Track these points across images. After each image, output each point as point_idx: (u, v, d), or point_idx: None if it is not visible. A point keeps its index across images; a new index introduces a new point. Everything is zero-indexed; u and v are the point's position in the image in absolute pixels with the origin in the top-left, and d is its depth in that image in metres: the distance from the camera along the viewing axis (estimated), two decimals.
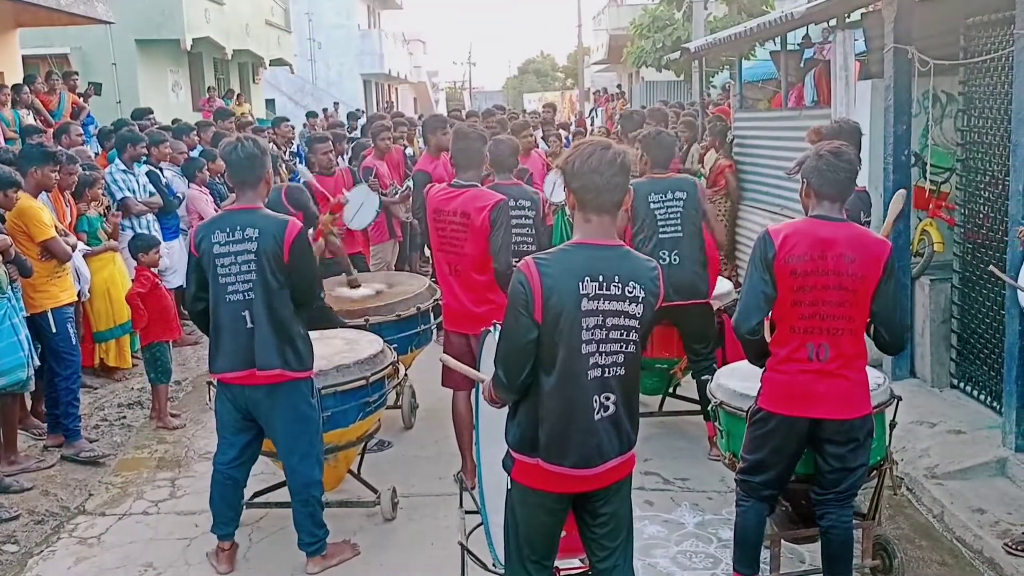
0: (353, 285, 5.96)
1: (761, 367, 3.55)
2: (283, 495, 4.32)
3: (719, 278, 5.79)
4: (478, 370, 3.48)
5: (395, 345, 5.10)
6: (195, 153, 9.23)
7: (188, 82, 19.68)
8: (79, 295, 5.95)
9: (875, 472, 3.84)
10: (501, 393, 2.89)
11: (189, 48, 17.91)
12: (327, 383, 4.30)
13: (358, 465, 4.84)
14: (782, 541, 3.86)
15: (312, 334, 4.24)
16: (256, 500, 4.63)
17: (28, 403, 5.97)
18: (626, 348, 2.79)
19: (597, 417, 2.79)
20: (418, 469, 5.31)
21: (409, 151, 10.19)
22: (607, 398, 2.79)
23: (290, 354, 3.93)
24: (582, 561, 3.34)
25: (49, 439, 5.70)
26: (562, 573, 3.38)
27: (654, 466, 5.17)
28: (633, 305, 2.76)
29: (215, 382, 4.17)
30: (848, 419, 3.40)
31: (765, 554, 3.75)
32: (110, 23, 13.36)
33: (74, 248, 5.88)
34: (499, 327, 3.07)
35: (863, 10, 6.97)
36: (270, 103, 27.29)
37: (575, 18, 42.90)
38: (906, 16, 5.90)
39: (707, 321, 5.31)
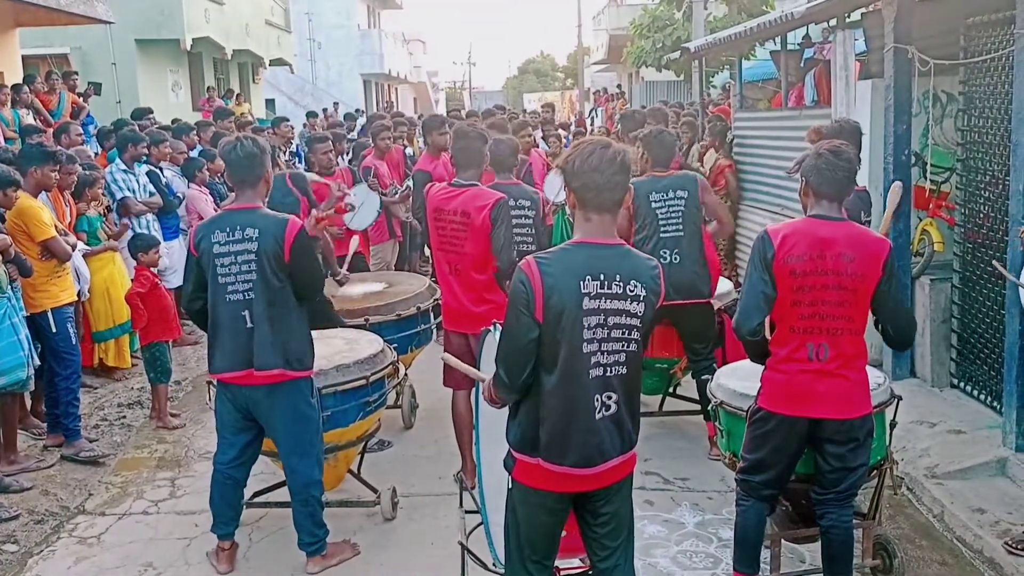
0: (340, 284, 5.96)
1: (763, 363, 3.56)
2: (283, 495, 4.32)
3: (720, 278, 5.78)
4: (478, 370, 3.48)
5: (395, 345, 5.10)
6: (195, 153, 9.23)
7: (188, 82, 19.67)
8: (79, 295, 5.95)
9: (875, 472, 3.84)
10: (502, 393, 2.89)
11: (189, 48, 17.91)
12: (327, 383, 4.30)
13: (358, 465, 4.83)
14: (782, 541, 3.86)
15: (312, 334, 4.24)
16: (256, 500, 4.63)
17: (28, 403, 5.97)
18: (628, 347, 2.79)
19: (598, 416, 2.78)
20: (418, 469, 5.31)
21: (409, 151, 10.19)
22: (609, 397, 2.79)
23: (291, 353, 3.93)
24: (582, 561, 3.34)
25: (49, 439, 5.70)
26: (562, 573, 3.38)
27: (654, 466, 5.17)
28: (634, 304, 2.76)
29: (215, 382, 4.17)
30: (848, 419, 3.40)
31: (765, 554, 3.75)
32: (110, 23, 13.36)
33: (74, 248, 5.88)
34: (499, 327, 3.07)
35: (863, 10, 6.97)
36: (270, 103, 27.29)
37: (575, 18, 42.95)
38: (906, 16, 5.90)
39: (707, 321, 5.31)
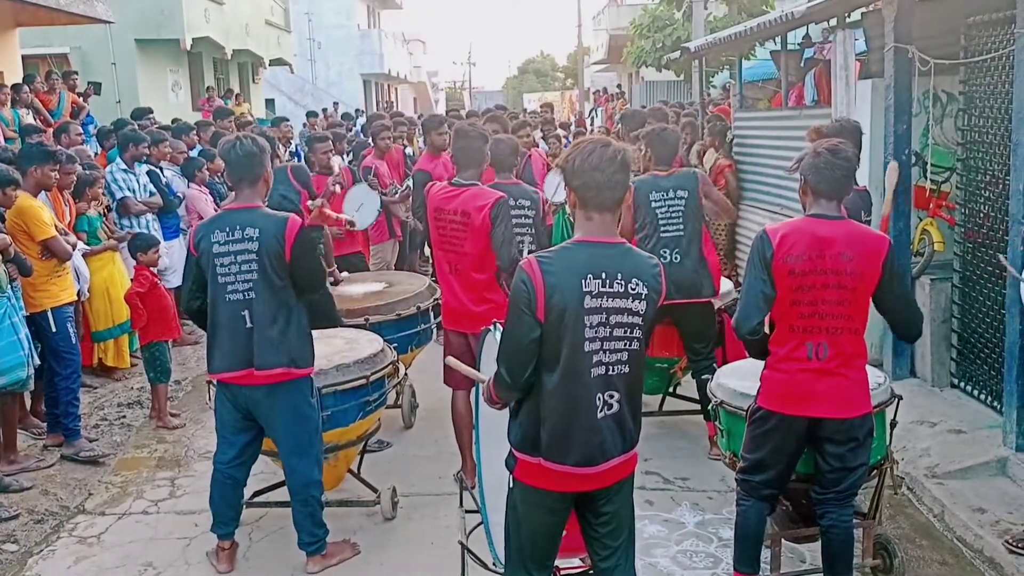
0: (334, 283, 5.95)
1: (764, 360, 3.56)
2: (283, 494, 4.31)
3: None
4: (478, 369, 3.48)
5: (395, 344, 5.10)
6: (194, 153, 9.23)
7: (188, 82, 19.67)
8: (79, 294, 5.95)
9: (876, 471, 3.84)
10: (503, 392, 2.89)
11: (189, 48, 17.91)
12: (327, 382, 4.30)
13: (358, 464, 4.83)
14: (782, 540, 3.85)
15: (312, 333, 4.24)
16: (256, 499, 4.63)
17: (28, 402, 5.97)
18: (630, 345, 2.79)
19: (600, 415, 2.78)
20: (418, 468, 5.30)
21: (409, 151, 10.19)
22: (611, 396, 2.79)
23: (294, 352, 3.93)
24: (582, 560, 3.34)
25: (49, 438, 5.70)
26: (562, 572, 3.38)
27: (654, 465, 5.16)
28: (636, 302, 2.76)
29: (214, 382, 4.16)
30: (847, 418, 3.40)
31: (765, 553, 3.75)
32: (110, 23, 13.37)
33: (74, 247, 5.88)
34: (499, 326, 3.07)
35: (863, 9, 6.97)
36: (270, 103, 27.29)
37: (575, 18, 42.97)
38: (906, 15, 5.90)
39: (708, 320, 5.30)
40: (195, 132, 10.51)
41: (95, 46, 16.29)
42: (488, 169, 4.91)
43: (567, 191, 2.84)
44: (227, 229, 3.87)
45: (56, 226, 5.58)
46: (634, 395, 2.87)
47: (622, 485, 2.92)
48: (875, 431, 3.57)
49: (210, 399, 4.41)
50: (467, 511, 3.84)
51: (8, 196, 5.27)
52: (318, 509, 4.13)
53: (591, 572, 3.22)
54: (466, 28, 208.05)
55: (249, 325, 3.87)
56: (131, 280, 6.49)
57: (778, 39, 9.11)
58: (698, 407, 5.47)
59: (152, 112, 12.08)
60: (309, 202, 5.49)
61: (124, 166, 7.68)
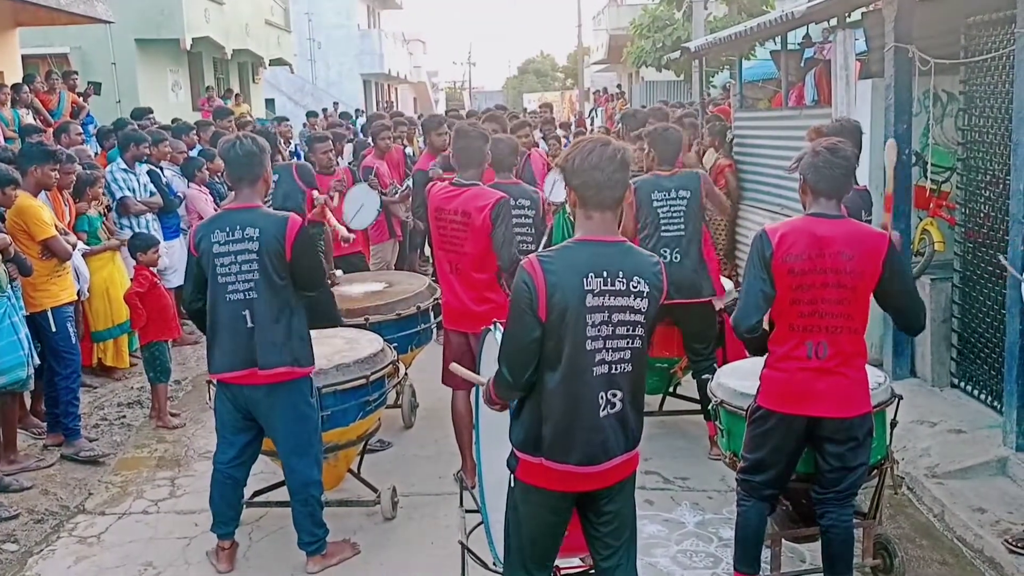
0: (332, 283, 5.93)
1: (763, 356, 3.56)
2: (283, 494, 4.31)
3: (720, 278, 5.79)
4: (478, 369, 3.48)
5: (395, 344, 5.10)
6: (194, 152, 9.22)
7: (188, 82, 19.67)
8: (79, 294, 5.94)
9: (876, 471, 3.84)
10: (504, 392, 2.89)
11: (189, 48, 17.91)
12: (327, 382, 4.29)
13: (358, 464, 4.83)
14: (783, 540, 3.85)
15: (312, 333, 4.24)
16: (256, 499, 4.63)
17: (28, 402, 5.97)
18: (632, 344, 2.79)
19: (603, 414, 2.78)
20: (418, 468, 5.30)
21: (409, 150, 10.19)
22: (614, 395, 2.78)
23: (295, 351, 3.93)
24: (582, 560, 3.34)
25: (49, 438, 5.70)
26: (562, 572, 3.38)
27: (654, 465, 5.16)
28: (638, 300, 2.76)
29: (214, 381, 4.16)
30: (847, 417, 3.40)
31: (765, 553, 3.75)
32: (110, 23, 13.37)
33: (74, 247, 5.88)
34: (499, 326, 3.07)
35: (863, 9, 6.97)
36: (270, 103, 27.29)
37: (575, 18, 42.97)
38: (907, 15, 5.90)
39: (708, 320, 5.30)
40: (195, 132, 10.51)
41: (95, 46, 16.29)
42: (488, 169, 4.91)
43: (567, 190, 2.84)
44: (227, 229, 3.87)
45: (56, 226, 5.58)
46: (637, 394, 2.87)
47: (624, 484, 2.92)
48: (875, 431, 3.57)
49: (210, 399, 4.40)
50: (467, 511, 3.84)
51: (8, 196, 5.27)
52: (318, 509, 4.13)
53: (591, 572, 3.22)
54: (466, 28, 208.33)
55: (250, 325, 3.87)
56: (131, 280, 6.49)
57: (778, 39, 9.11)
58: (698, 407, 5.47)
59: (152, 112, 12.08)
60: (315, 194, 5.48)
61: (124, 166, 7.68)
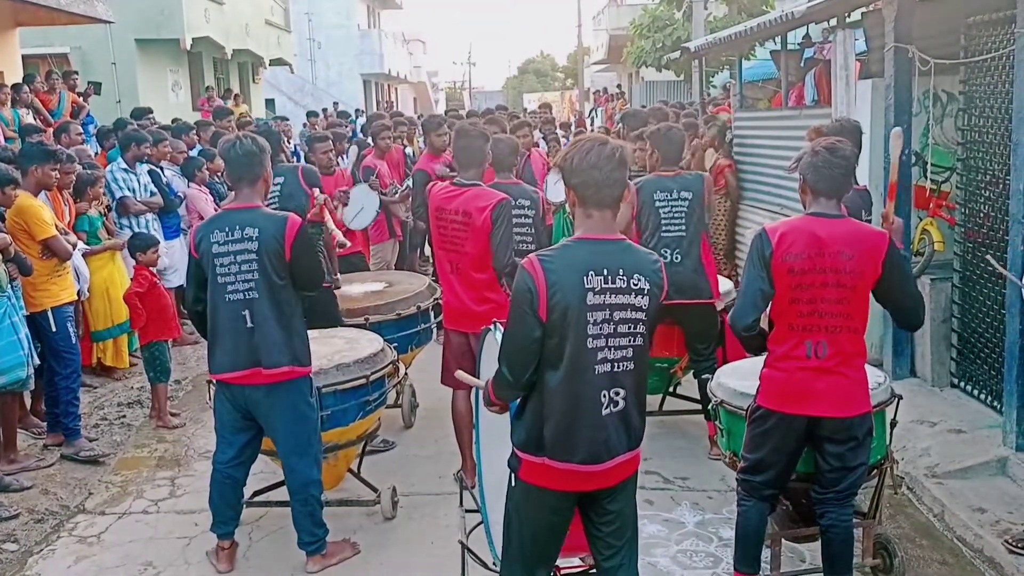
0: (336, 286, 5.88)
1: (759, 356, 3.57)
2: (283, 494, 4.31)
3: (720, 278, 5.79)
4: (479, 368, 3.48)
5: (395, 344, 5.10)
6: (194, 152, 9.23)
7: (188, 82, 19.67)
8: (79, 294, 5.94)
9: (876, 471, 3.84)
10: (504, 392, 2.89)
11: (189, 48, 17.91)
12: (327, 382, 4.29)
13: (358, 464, 4.83)
14: (782, 540, 3.85)
15: (312, 333, 4.25)
16: (256, 499, 4.63)
17: (28, 402, 5.97)
18: (634, 341, 2.79)
19: (605, 412, 2.78)
20: (418, 468, 5.31)
21: (409, 150, 10.19)
22: (616, 393, 2.78)
23: (297, 350, 3.94)
24: (582, 560, 3.34)
25: (49, 438, 5.70)
26: (562, 572, 3.38)
27: (654, 465, 5.16)
28: (639, 297, 2.77)
29: (214, 381, 4.16)
30: (847, 417, 3.40)
31: (765, 553, 3.75)
32: (110, 23, 13.37)
33: (75, 247, 5.88)
34: (499, 326, 3.07)
35: (863, 9, 6.97)
36: (270, 103, 27.28)
37: (575, 18, 42.97)
38: (906, 15, 5.90)
39: (710, 321, 5.30)
40: (195, 132, 10.51)
41: (95, 46, 16.29)
42: (488, 169, 4.91)
43: (566, 190, 2.85)
44: (226, 229, 3.87)
45: (56, 225, 5.58)
46: (640, 392, 2.87)
47: (626, 484, 2.92)
48: (875, 430, 3.56)
49: (210, 399, 4.40)
50: (467, 510, 3.84)
51: (8, 196, 5.27)
52: (318, 509, 4.13)
53: (592, 571, 3.22)
54: (466, 28, 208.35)
55: (250, 325, 3.87)
56: (131, 280, 6.49)
57: (778, 39, 9.12)
58: (698, 407, 5.47)
59: (152, 112, 12.08)
60: (316, 193, 5.46)
61: (125, 166, 7.68)
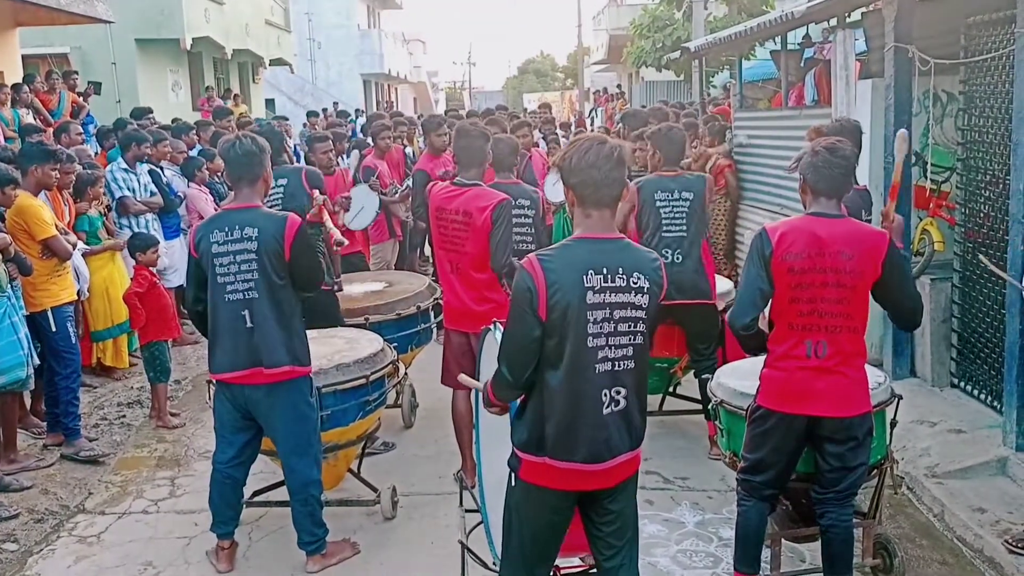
0: (338, 289, 5.83)
1: (756, 356, 3.57)
2: (283, 494, 4.31)
3: (720, 277, 5.80)
4: (479, 368, 3.48)
5: (395, 344, 5.10)
6: (194, 152, 9.23)
7: (188, 82, 19.67)
8: (78, 294, 5.94)
9: (875, 471, 3.84)
10: (503, 391, 2.89)
11: (189, 48, 17.91)
12: (327, 381, 4.29)
13: (358, 464, 4.83)
14: (782, 540, 3.85)
15: (312, 333, 4.25)
16: (256, 499, 4.62)
17: (28, 402, 5.97)
18: (634, 340, 2.79)
19: (606, 411, 2.78)
20: (418, 468, 5.30)
21: (409, 150, 10.19)
22: (618, 392, 2.78)
23: (296, 350, 3.94)
24: (582, 559, 3.34)
25: (49, 438, 5.70)
26: (562, 572, 3.38)
27: (654, 465, 5.16)
28: (639, 296, 2.77)
29: (214, 381, 4.16)
30: (847, 417, 3.40)
31: (765, 553, 3.75)
32: (110, 23, 13.37)
33: (74, 246, 5.88)
34: (499, 325, 3.07)
35: (863, 9, 6.97)
36: (270, 103, 27.29)
37: (575, 18, 42.97)
38: (906, 15, 5.90)
39: (711, 320, 5.30)
40: (195, 132, 10.51)
41: (95, 46, 16.29)
42: (488, 169, 4.91)
43: (565, 189, 2.85)
44: (226, 229, 3.87)
45: (56, 225, 5.58)
46: (640, 391, 2.87)
47: (627, 484, 2.92)
48: (875, 430, 3.56)
49: (210, 398, 4.40)
50: (467, 510, 3.84)
51: (8, 195, 5.27)
52: (318, 508, 4.13)
53: (591, 571, 3.22)
54: (466, 28, 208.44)
55: (250, 325, 3.87)
56: (131, 280, 6.48)
57: (778, 39, 9.12)
58: (698, 407, 5.47)
59: (152, 112, 12.08)
60: (315, 193, 5.44)
61: (125, 165, 7.68)
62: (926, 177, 6.16)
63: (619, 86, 28.82)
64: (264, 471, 4.86)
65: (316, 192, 5.46)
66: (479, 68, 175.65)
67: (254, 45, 22.14)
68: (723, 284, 5.80)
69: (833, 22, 7.11)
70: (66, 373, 5.49)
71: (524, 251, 4.61)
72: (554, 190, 6.59)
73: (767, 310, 3.49)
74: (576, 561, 3.36)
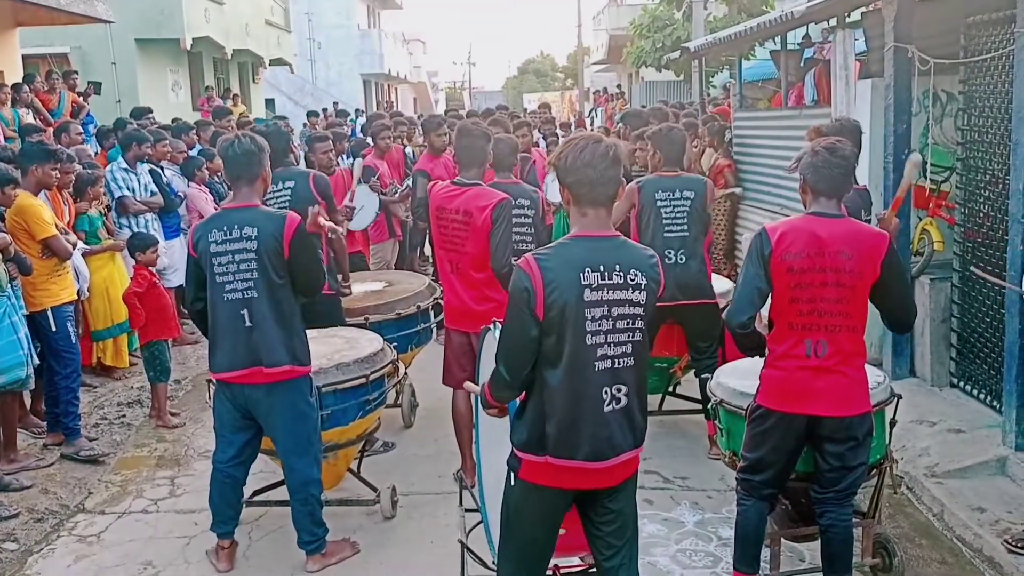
0: (342, 294, 5.68)
1: (752, 356, 3.57)
2: (282, 493, 4.31)
3: (720, 277, 5.80)
4: (478, 367, 3.48)
5: (395, 343, 5.10)
6: (194, 152, 9.23)
7: (188, 82, 19.68)
8: (78, 294, 5.95)
9: (875, 471, 3.84)
10: (501, 391, 2.89)
11: (189, 48, 17.92)
12: (327, 381, 4.29)
13: (358, 463, 4.83)
14: (782, 539, 3.85)
15: (312, 333, 4.24)
16: (255, 498, 4.63)
17: (28, 401, 5.97)
18: (633, 337, 2.79)
19: (607, 409, 2.78)
20: (418, 467, 5.31)
21: (409, 151, 10.20)
22: (618, 389, 2.79)
23: (296, 349, 3.94)
24: (581, 559, 3.34)
25: (49, 437, 5.70)
26: (562, 571, 3.38)
27: (654, 465, 5.16)
28: (636, 292, 2.77)
29: (214, 381, 4.16)
30: (846, 416, 3.40)
31: (765, 552, 3.75)
32: (110, 22, 13.38)
33: (74, 246, 5.88)
34: (499, 325, 3.07)
35: (863, 9, 6.97)
36: (270, 103, 27.29)
37: (575, 18, 42.97)
38: (906, 15, 5.91)
39: (713, 320, 5.30)
40: (195, 132, 10.51)
41: (95, 46, 16.30)
42: (488, 169, 4.91)
43: (560, 188, 2.85)
44: (224, 228, 3.87)
45: (56, 225, 5.58)
46: (641, 390, 2.87)
47: (627, 483, 2.92)
48: (874, 430, 3.57)
49: (209, 398, 4.41)
50: (467, 510, 3.85)
51: (7, 195, 5.27)
52: (317, 508, 4.13)
53: (591, 571, 3.22)
54: (466, 28, 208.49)
55: (249, 324, 3.87)
56: (130, 280, 6.49)
57: (778, 39, 9.13)
58: (698, 406, 5.48)
59: (152, 112, 12.08)
60: (310, 208, 5.36)
61: (125, 165, 7.68)
62: (926, 177, 6.16)
63: (619, 86, 28.82)
64: (264, 470, 4.86)
65: (310, 208, 5.34)
66: (479, 68, 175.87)
67: (254, 45, 22.15)
68: (723, 284, 5.80)
69: (833, 22, 7.11)
70: (66, 373, 5.50)
71: (524, 251, 4.60)
72: (554, 190, 6.59)
73: (765, 310, 3.50)
74: (576, 560, 3.36)
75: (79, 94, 12.00)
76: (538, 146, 9.43)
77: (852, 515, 3.62)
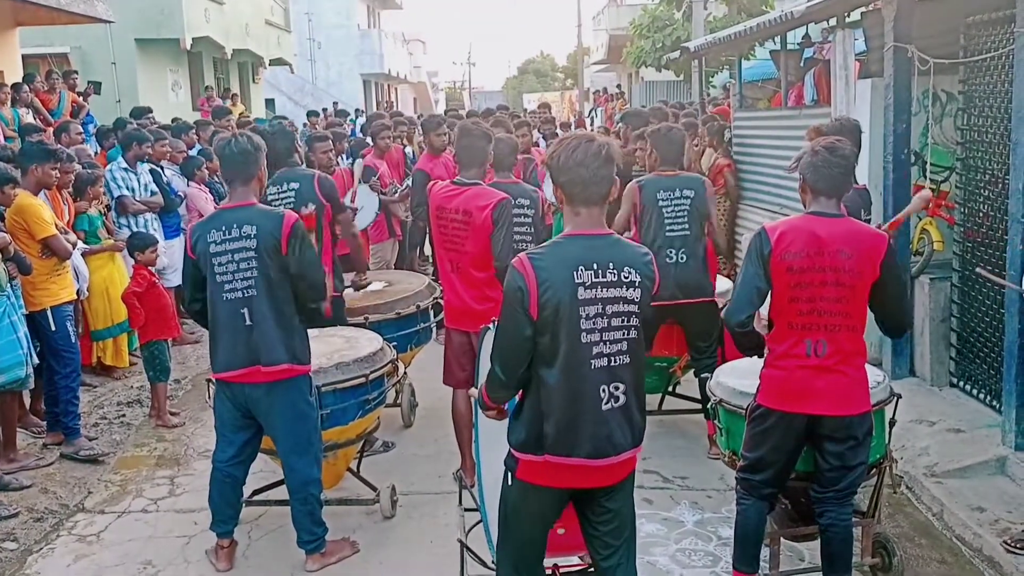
0: (359, 287, 5.81)
1: (751, 355, 3.57)
2: (282, 493, 4.31)
3: (720, 277, 5.80)
4: (478, 367, 3.49)
5: (395, 343, 5.10)
6: (193, 152, 9.23)
7: (188, 81, 19.68)
8: (78, 293, 5.95)
9: (875, 470, 3.84)
10: (497, 391, 2.89)
11: (189, 47, 17.92)
12: (327, 380, 4.30)
13: (357, 463, 4.84)
14: (781, 539, 3.85)
15: (312, 332, 4.24)
16: (255, 498, 4.63)
17: (27, 401, 5.97)
18: (628, 334, 2.80)
19: (606, 407, 2.78)
20: (417, 467, 5.31)
21: (409, 150, 10.20)
22: (616, 387, 2.79)
23: (295, 348, 3.94)
24: (580, 559, 3.34)
25: (48, 437, 5.70)
26: (561, 571, 3.38)
27: (653, 464, 5.16)
28: (631, 290, 2.77)
29: (214, 380, 4.16)
30: (846, 416, 3.40)
31: (764, 552, 3.75)
32: (110, 22, 13.39)
33: (74, 246, 5.88)
34: None
35: (863, 9, 6.97)
36: (270, 103, 27.30)
37: (575, 18, 42.97)
38: (906, 15, 5.91)
39: (712, 319, 5.30)
40: (194, 131, 10.52)
41: (95, 46, 16.31)
42: (488, 169, 4.91)
43: (554, 187, 2.86)
44: (223, 228, 3.87)
45: (56, 224, 5.58)
46: (638, 388, 2.87)
47: (625, 482, 2.92)
48: (874, 430, 3.57)
49: (209, 397, 4.41)
50: (466, 509, 3.84)
51: (7, 195, 5.27)
52: (317, 507, 4.13)
53: (590, 570, 3.22)
54: (466, 28, 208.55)
55: (248, 323, 3.87)
56: (130, 279, 6.48)
57: (778, 39, 9.12)
58: (697, 406, 5.48)
59: (152, 111, 12.08)
60: (303, 209, 5.32)
61: (125, 165, 7.68)
62: (925, 176, 6.17)
63: (619, 86, 28.83)
64: (264, 470, 4.87)
65: (303, 209, 5.32)
66: (479, 68, 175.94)
67: (254, 45, 22.15)
68: (723, 284, 5.80)
69: (833, 22, 7.11)
70: (66, 372, 5.50)
71: (523, 251, 4.62)
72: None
73: (765, 310, 3.50)
74: (575, 560, 3.36)
75: (79, 94, 12.00)
76: (538, 146, 9.43)
77: (852, 515, 3.62)
